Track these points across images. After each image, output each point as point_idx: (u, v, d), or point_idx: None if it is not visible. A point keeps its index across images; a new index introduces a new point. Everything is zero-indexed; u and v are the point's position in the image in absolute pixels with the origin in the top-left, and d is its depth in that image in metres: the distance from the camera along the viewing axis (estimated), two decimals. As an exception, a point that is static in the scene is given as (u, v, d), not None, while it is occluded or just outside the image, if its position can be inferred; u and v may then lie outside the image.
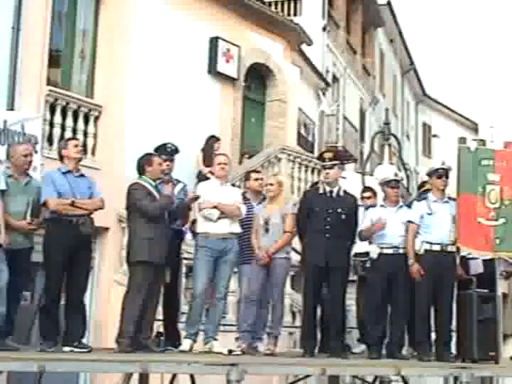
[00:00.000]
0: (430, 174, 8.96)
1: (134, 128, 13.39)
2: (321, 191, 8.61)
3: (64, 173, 7.78)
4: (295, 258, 9.19)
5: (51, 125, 12.38)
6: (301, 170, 15.62)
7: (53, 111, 12.49)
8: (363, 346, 9.46)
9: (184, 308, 9.30)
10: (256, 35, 16.88)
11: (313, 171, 15.71)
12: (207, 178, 10.27)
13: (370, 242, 8.82)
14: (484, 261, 9.12)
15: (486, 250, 8.66)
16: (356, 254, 9.14)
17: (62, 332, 7.74)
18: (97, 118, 13.19)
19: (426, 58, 42.44)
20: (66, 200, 7.62)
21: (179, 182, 8.71)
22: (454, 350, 8.78)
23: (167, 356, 7.72)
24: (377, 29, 29.42)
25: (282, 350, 9.62)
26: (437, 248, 8.53)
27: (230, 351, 8.02)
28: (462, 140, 9.15)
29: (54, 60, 12.91)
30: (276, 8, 20.72)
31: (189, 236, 8.97)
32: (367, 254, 8.85)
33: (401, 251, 8.61)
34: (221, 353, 7.92)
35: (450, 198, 8.77)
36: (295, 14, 22.02)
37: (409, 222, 8.64)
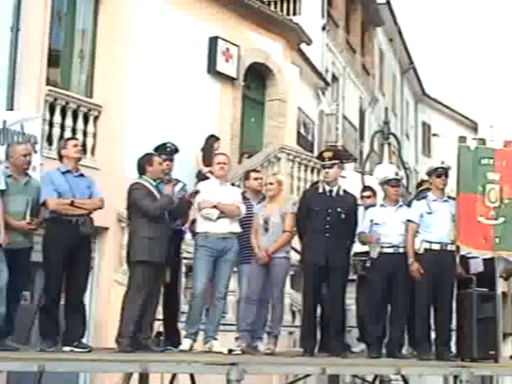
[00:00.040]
0: (429, 173, 8.96)
1: (133, 128, 13.39)
2: (320, 190, 8.61)
3: (63, 172, 7.78)
4: (295, 257, 9.19)
5: (51, 125, 12.37)
6: (300, 170, 15.61)
7: (52, 111, 12.48)
8: (363, 346, 9.47)
9: (184, 308, 9.29)
10: (255, 35, 16.88)
11: (312, 171, 15.70)
12: (207, 178, 10.27)
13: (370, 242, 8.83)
14: (484, 260, 9.12)
15: (486, 249, 8.66)
16: (356, 254, 9.13)
17: (62, 332, 7.75)
18: (96, 118, 13.18)
19: (425, 57, 42.50)
20: (65, 200, 7.63)
21: (179, 181, 8.72)
22: (453, 349, 8.78)
23: (167, 356, 7.72)
24: (376, 28, 29.40)
25: (282, 350, 9.62)
26: (436, 247, 8.53)
27: (230, 351, 8.01)
28: (462, 139, 9.19)
29: (53, 60, 12.90)
30: (275, 7, 20.71)
31: (188, 236, 8.97)
32: (367, 253, 8.85)
33: (401, 250, 8.61)
34: (221, 352, 7.92)
35: (449, 197, 8.77)
36: (294, 14, 22.00)
37: (408, 221, 8.65)
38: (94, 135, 13.11)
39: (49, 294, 7.67)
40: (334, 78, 24.31)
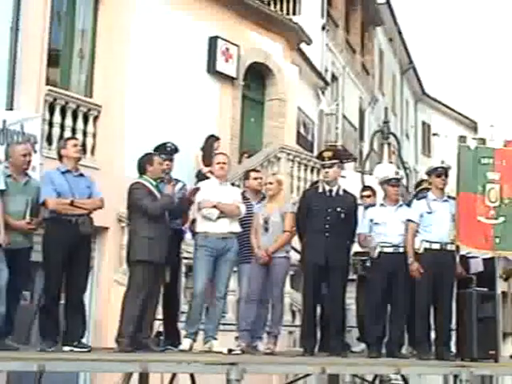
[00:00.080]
0: (429, 173, 8.97)
1: (133, 127, 13.38)
2: (320, 190, 8.61)
3: (63, 172, 7.78)
4: (295, 257, 9.19)
5: (50, 124, 12.37)
6: (300, 169, 15.62)
7: (52, 111, 12.48)
8: (363, 345, 9.47)
9: (184, 307, 9.30)
10: (255, 34, 16.88)
11: (312, 170, 15.70)
12: (207, 178, 10.27)
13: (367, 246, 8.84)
14: (484, 259, 9.13)
15: (486, 249, 8.67)
16: (356, 253, 9.14)
17: (62, 332, 7.74)
18: (96, 118, 13.18)
19: (425, 56, 42.45)
20: (65, 200, 7.63)
21: (178, 181, 8.71)
22: (453, 348, 8.78)
23: (167, 355, 7.72)
24: (376, 28, 29.40)
25: (282, 349, 9.62)
26: (436, 247, 8.53)
27: (230, 350, 8.01)
28: (462, 139, 9.22)
29: (53, 59, 12.89)
30: (275, 7, 20.71)
31: (188, 235, 8.96)
32: (367, 253, 8.85)
33: (401, 250, 8.61)
34: (221, 352, 7.91)
35: (449, 197, 8.77)
36: (294, 13, 21.99)
37: (408, 220, 8.65)
38: (94, 135, 13.11)
39: (49, 293, 7.67)
40: (334, 78, 24.31)
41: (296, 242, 8.98)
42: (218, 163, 8.53)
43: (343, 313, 8.60)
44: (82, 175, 7.94)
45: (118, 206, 10.89)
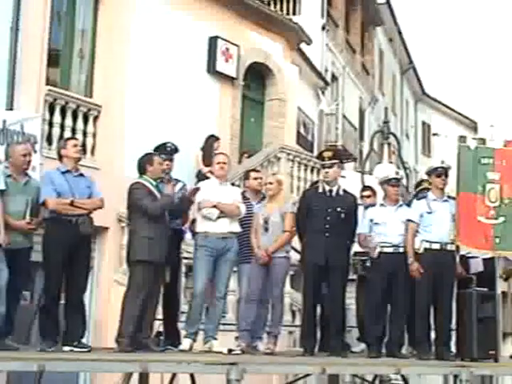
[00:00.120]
0: (429, 173, 8.97)
1: (133, 127, 13.38)
2: (320, 190, 8.61)
3: (63, 172, 7.78)
4: (295, 257, 9.19)
5: (50, 124, 12.37)
6: (300, 169, 15.62)
7: (52, 111, 12.48)
8: (363, 345, 9.47)
9: (184, 307, 9.30)
10: (255, 34, 16.88)
11: (312, 170, 15.71)
12: (207, 178, 10.27)
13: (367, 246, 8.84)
14: (484, 259, 9.13)
15: (486, 249, 8.66)
16: (356, 253, 9.14)
17: (62, 332, 7.74)
18: (96, 118, 13.18)
19: (425, 56, 42.47)
20: (65, 200, 7.63)
21: (178, 181, 8.72)
22: (453, 348, 8.78)
23: (167, 355, 7.72)
24: (376, 28, 29.40)
25: (282, 349, 9.62)
26: (436, 247, 8.53)
27: (230, 350, 8.01)
28: (462, 139, 9.22)
29: (53, 59, 12.90)
30: (275, 7, 20.71)
31: (188, 235, 8.96)
32: (367, 253, 8.85)
33: (401, 250, 8.61)
34: (220, 352, 7.91)
35: (449, 197, 8.77)
36: (294, 13, 21.99)
37: (408, 220, 8.65)
38: (94, 135, 13.11)
39: (49, 293, 7.67)
40: (334, 78, 24.31)
41: (296, 242, 8.98)
42: (218, 163, 8.53)
43: (343, 313, 8.60)
44: (81, 175, 7.94)
45: (117, 206, 10.89)
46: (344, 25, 25.74)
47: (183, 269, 9.74)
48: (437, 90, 38.04)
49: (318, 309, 8.73)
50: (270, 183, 8.86)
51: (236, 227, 8.38)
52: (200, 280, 8.21)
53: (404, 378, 10.91)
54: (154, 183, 8.02)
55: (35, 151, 8.82)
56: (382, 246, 8.66)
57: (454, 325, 8.79)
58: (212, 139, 14.28)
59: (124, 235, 12.04)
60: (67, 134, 12.35)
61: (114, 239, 12.65)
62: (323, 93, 22.54)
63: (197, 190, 8.41)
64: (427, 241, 8.54)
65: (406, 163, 22.09)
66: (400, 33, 31.30)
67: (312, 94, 22.00)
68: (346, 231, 8.50)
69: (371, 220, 8.83)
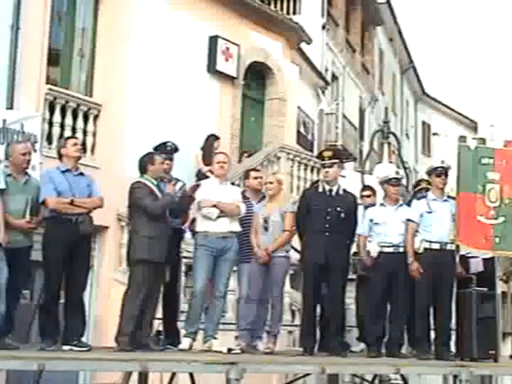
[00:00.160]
0: (429, 173, 8.97)
1: (133, 127, 13.39)
2: (320, 190, 8.61)
3: (63, 171, 7.78)
4: (295, 256, 9.19)
5: (50, 123, 12.38)
6: (300, 169, 15.62)
7: (52, 110, 12.49)
8: (362, 345, 9.47)
9: (183, 307, 9.30)
10: (255, 34, 16.88)
11: (312, 170, 15.71)
12: (207, 177, 10.27)
13: (370, 241, 8.83)
14: (484, 259, 9.13)
15: (486, 249, 8.67)
16: (355, 253, 9.13)
17: (62, 331, 7.74)
18: (96, 117, 13.19)
19: (425, 56, 42.51)
20: (65, 199, 7.63)
21: (178, 180, 8.71)
22: (453, 348, 8.78)
23: (167, 355, 7.72)
24: (376, 27, 29.40)
25: (282, 349, 9.62)
26: (436, 246, 8.53)
27: (230, 350, 8.02)
28: (462, 138, 9.21)
29: (53, 59, 12.91)
30: (275, 7, 20.70)
31: (188, 235, 8.96)
32: (367, 253, 8.85)
33: (401, 250, 8.61)
34: (220, 351, 7.91)
35: (449, 197, 8.78)
36: (294, 13, 22.00)
37: (408, 220, 8.64)
38: (94, 134, 13.12)
39: (48, 292, 7.67)
40: (334, 78, 24.30)
41: (296, 242, 8.97)
42: (218, 162, 8.53)
43: (343, 312, 8.60)
44: (81, 174, 7.94)
45: (117, 205, 10.89)
46: (344, 24, 25.74)
47: (183, 268, 9.74)
48: (437, 90, 38.06)
49: (318, 308, 8.72)
50: (270, 183, 8.86)
51: (236, 227, 8.38)
52: (200, 279, 8.20)
53: (404, 378, 10.90)
54: (155, 183, 8.02)
55: (35, 150, 8.83)
56: (382, 246, 8.67)
57: (453, 325, 8.79)
58: (212, 138, 14.28)
59: (124, 234, 12.06)
60: (67, 133, 12.36)
61: (113, 238, 12.65)
62: (323, 92, 22.54)
63: (197, 186, 8.41)
64: (427, 240, 8.54)
65: (405, 163, 22.08)
66: (400, 32, 31.30)
67: (312, 93, 22.00)
68: (345, 231, 8.50)
69: (371, 220, 8.83)
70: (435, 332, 8.65)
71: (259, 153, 15.82)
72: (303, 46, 19.65)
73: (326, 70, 23.02)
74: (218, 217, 8.24)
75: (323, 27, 22.71)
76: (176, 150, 8.79)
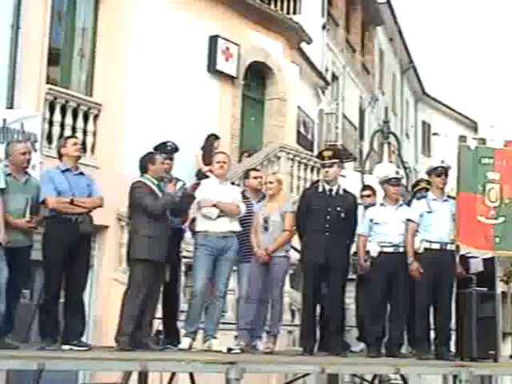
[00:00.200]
0: (429, 173, 8.97)
1: (133, 126, 13.39)
2: (320, 190, 8.61)
3: (63, 171, 7.78)
4: (294, 256, 9.19)
5: (50, 123, 12.38)
6: (300, 169, 15.62)
7: (52, 109, 12.49)
8: (362, 345, 9.47)
9: (183, 306, 9.30)
10: (255, 34, 16.89)
11: (312, 170, 15.71)
12: (207, 177, 10.27)
13: (370, 241, 8.83)
14: (484, 259, 9.13)
15: (486, 249, 8.67)
16: (355, 253, 9.13)
17: (62, 330, 7.74)
18: (96, 117, 13.19)
19: (425, 56, 42.52)
20: (65, 198, 7.62)
21: (179, 180, 8.71)
22: (453, 348, 8.78)
23: (166, 354, 7.72)
24: (376, 27, 29.40)
25: (281, 349, 9.62)
26: (436, 246, 8.53)
27: (229, 349, 8.02)
28: (463, 138, 9.20)
29: (53, 58, 12.91)
30: (275, 6, 20.70)
31: (188, 234, 8.96)
32: (367, 252, 8.85)
33: (401, 250, 8.61)
34: (220, 351, 7.92)
35: (449, 197, 8.78)
36: (295, 13, 22.00)
37: (408, 220, 8.64)
38: (94, 134, 13.12)
39: (48, 292, 7.67)
40: (334, 77, 24.30)
41: (296, 242, 8.97)
42: (218, 162, 8.53)
43: (343, 312, 8.60)
44: (81, 174, 7.94)
45: (117, 205, 10.89)
46: (344, 24, 25.75)
47: (183, 268, 9.74)
48: (437, 90, 38.08)
49: (318, 308, 8.72)
50: (270, 182, 8.86)
51: (236, 226, 8.38)
52: (200, 279, 8.20)
53: (403, 378, 10.90)
54: (156, 182, 8.02)
55: (35, 150, 8.83)
56: (382, 246, 8.67)
57: (453, 325, 8.79)
58: (212, 138, 14.29)
59: (124, 234, 12.06)
60: (67, 132, 12.37)
61: (113, 238, 12.66)
62: (323, 92, 22.54)
63: (198, 185, 8.41)
64: (427, 240, 8.53)
65: (405, 163, 22.08)
66: (400, 32, 31.31)
67: (312, 93, 22.00)
68: (345, 231, 8.49)
69: (371, 220, 8.83)
70: (435, 332, 8.65)
71: (259, 153, 15.83)
72: (303, 45, 19.65)
73: (326, 70, 23.03)
74: (218, 216, 8.24)
75: (323, 27, 22.72)
76: (176, 149, 8.79)
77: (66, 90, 12.88)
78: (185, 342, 8.16)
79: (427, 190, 9.12)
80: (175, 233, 8.37)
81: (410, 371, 9.20)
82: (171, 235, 8.11)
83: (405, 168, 17.00)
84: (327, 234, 8.35)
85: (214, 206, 8.23)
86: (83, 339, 7.83)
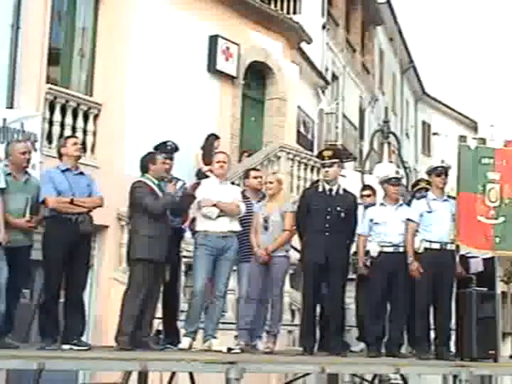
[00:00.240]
0: (429, 173, 8.97)
1: (133, 126, 13.39)
2: (320, 189, 8.61)
3: (63, 171, 7.78)
4: (294, 256, 9.19)
5: (50, 123, 12.38)
6: (300, 169, 15.62)
7: (52, 109, 12.49)
8: (362, 345, 9.47)
9: (183, 306, 9.29)
10: (255, 33, 16.89)
11: (312, 169, 15.71)
12: (207, 177, 10.27)
13: (370, 241, 8.84)
14: (484, 259, 9.13)
15: (486, 249, 8.67)
16: (355, 253, 9.13)
17: (62, 330, 7.74)
18: (96, 116, 13.19)
19: (425, 56, 42.51)
20: (65, 198, 7.62)
21: (179, 179, 8.71)
22: (453, 348, 8.78)
23: (166, 354, 7.72)
24: (376, 27, 29.40)
25: (281, 349, 9.62)
26: (436, 246, 8.53)
27: (229, 349, 8.02)
28: (463, 138, 9.21)
29: (53, 58, 12.91)
30: (275, 6, 20.70)
31: (188, 234, 8.96)
32: (367, 252, 8.85)
33: (401, 250, 8.61)
34: (220, 351, 7.92)
35: (449, 197, 8.78)
36: (295, 13, 21.99)
37: (408, 220, 8.64)
38: (94, 133, 13.12)
39: (48, 291, 7.67)
40: (334, 77, 24.30)
41: (296, 241, 8.97)
42: (218, 162, 8.52)
43: (343, 312, 8.60)
44: (81, 174, 7.94)
45: (118, 205, 10.89)
46: (344, 24, 25.74)
47: (183, 267, 9.74)
48: (437, 90, 38.08)
49: (318, 308, 8.72)
50: (270, 182, 8.85)
51: (236, 226, 8.38)
52: (200, 279, 8.20)
53: (403, 378, 10.90)
54: (156, 182, 8.02)
55: (35, 149, 8.83)
56: (382, 246, 8.67)
57: (453, 325, 8.79)
58: (212, 138, 14.28)
59: (124, 234, 12.06)
60: (67, 132, 12.36)
61: (113, 237, 12.66)
62: (323, 92, 22.54)
63: (198, 184, 8.41)
64: (427, 240, 8.54)
65: (405, 163, 22.09)
66: (400, 32, 31.31)
67: (312, 93, 22.00)
68: (345, 230, 8.49)
69: (371, 219, 8.83)
70: (435, 332, 8.65)
71: (259, 152, 15.82)
72: (303, 45, 19.65)
73: (326, 70, 23.02)
74: (218, 216, 8.24)
75: (323, 27, 22.71)
76: (176, 149, 8.79)
77: (65, 89, 12.88)
78: (185, 342, 8.16)
79: (427, 189, 9.12)
80: (175, 232, 8.37)
81: (410, 371, 9.20)
82: (171, 235, 8.11)
83: (405, 168, 17.01)
84: (327, 233, 8.35)
85: (214, 205, 8.22)
86: (83, 339, 7.83)
